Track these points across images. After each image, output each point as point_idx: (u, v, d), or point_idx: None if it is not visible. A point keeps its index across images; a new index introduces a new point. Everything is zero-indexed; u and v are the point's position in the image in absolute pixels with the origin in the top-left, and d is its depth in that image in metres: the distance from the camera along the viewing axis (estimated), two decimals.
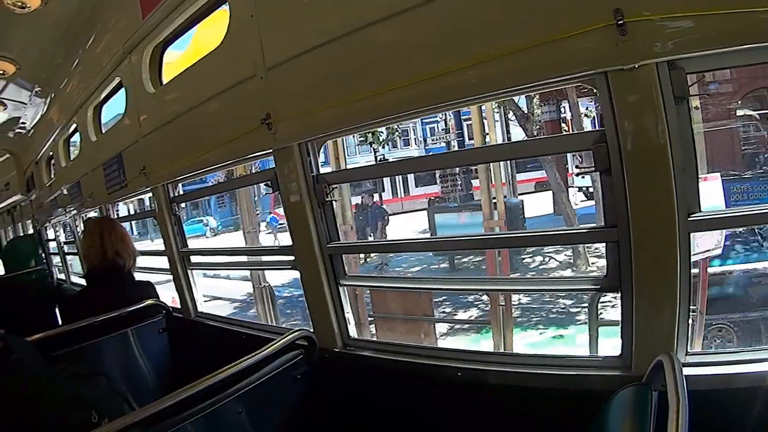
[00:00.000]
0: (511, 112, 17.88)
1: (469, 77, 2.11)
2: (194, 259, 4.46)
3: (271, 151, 3.04)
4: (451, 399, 2.54)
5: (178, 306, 4.54)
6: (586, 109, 20.52)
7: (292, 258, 3.21)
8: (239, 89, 3.14)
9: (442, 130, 27.56)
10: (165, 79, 4.22)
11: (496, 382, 2.37)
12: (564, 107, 20.46)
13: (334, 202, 2.98)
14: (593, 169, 1.98)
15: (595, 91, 1.92)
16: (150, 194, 4.59)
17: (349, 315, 3.06)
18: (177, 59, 4.43)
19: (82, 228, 4.18)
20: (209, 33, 3.80)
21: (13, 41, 4.87)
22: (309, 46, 2.65)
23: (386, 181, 28.82)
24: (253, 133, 3.02)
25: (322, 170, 2.98)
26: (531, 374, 2.27)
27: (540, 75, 1.98)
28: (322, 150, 3.03)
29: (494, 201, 8.79)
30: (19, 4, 3.97)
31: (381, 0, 2.35)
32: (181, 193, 4.47)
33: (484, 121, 9.51)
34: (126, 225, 4.55)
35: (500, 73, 2.03)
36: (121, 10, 4.16)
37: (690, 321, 1.94)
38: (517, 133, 20.82)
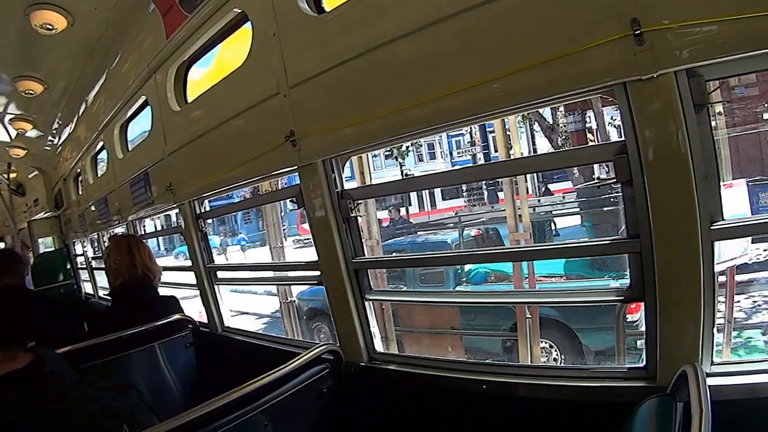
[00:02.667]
0: (536, 123, 17.83)
1: (491, 92, 2.13)
2: (220, 274, 4.51)
3: (294, 167, 3.08)
4: (477, 412, 2.55)
5: (204, 320, 4.58)
6: (611, 118, 20.42)
7: (317, 273, 3.23)
8: (263, 107, 3.19)
9: (468, 142, 27.57)
10: (190, 97, 4.29)
11: (521, 395, 2.37)
12: (589, 117, 20.34)
13: (359, 217, 3.00)
14: (614, 180, 1.99)
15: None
16: (176, 210, 4.66)
17: (374, 329, 3.08)
18: (201, 77, 4.51)
19: (108, 243, 4.25)
20: (233, 51, 3.87)
21: (41, 62, 5.03)
22: (331, 64, 2.69)
23: (413, 195, 28.71)
24: (278, 150, 3.07)
25: (347, 185, 3.00)
26: (556, 386, 2.28)
27: (560, 88, 1.99)
28: (347, 164, 3.07)
29: (519, 214, 8.77)
30: (47, 26, 4.11)
31: (401, 16, 2.37)
32: (207, 209, 4.54)
33: (508, 133, 9.45)
34: (151, 241, 4.62)
35: (521, 87, 2.04)
36: (146, 31, 4.27)
37: (715, 330, 1.94)
38: (543, 145, 20.73)
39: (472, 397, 2.53)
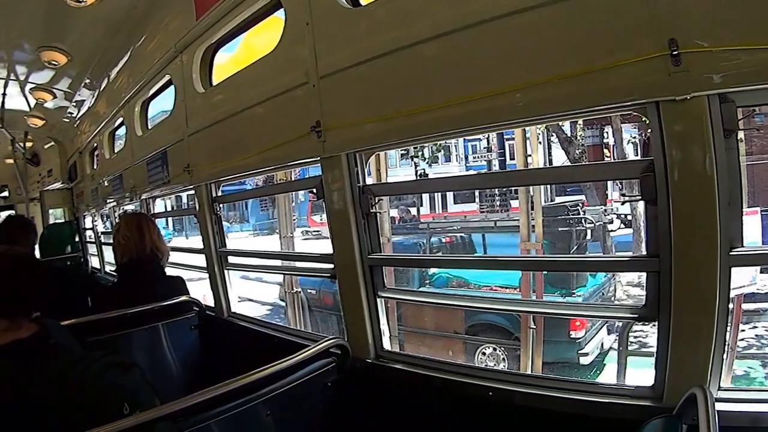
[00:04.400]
0: (554, 134, 17.79)
1: (517, 100, 2.14)
2: (231, 259, 4.54)
3: (316, 159, 3.10)
4: (481, 418, 2.56)
5: (210, 304, 4.62)
6: (631, 136, 20.35)
7: (331, 266, 3.26)
8: (290, 95, 3.20)
9: (484, 148, 27.49)
10: (214, 80, 4.32)
11: (526, 404, 2.37)
12: (607, 132, 20.27)
13: (378, 213, 3.01)
14: (639, 197, 2.01)
15: (644, 118, 1.94)
16: (187, 192, 4.69)
17: (384, 327, 3.10)
18: (226, 62, 4.54)
19: (119, 220, 4.29)
20: (261, 37, 3.89)
21: (67, 33, 5.06)
22: (363, 58, 2.70)
23: (425, 196, 28.69)
24: (302, 139, 3.08)
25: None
26: (561, 398, 2.29)
27: (591, 102, 2.00)
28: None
29: (533, 224, 8.85)
30: None
31: (433, 18, 2.39)
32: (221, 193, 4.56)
33: (527, 142, 9.48)
34: (161, 222, 4.65)
35: (550, 98, 2.05)
36: (176, 10, 4.29)
37: (725, 356, 1.95)
38: (559, 156, 20.67)
39: (478, 403, 2.54)
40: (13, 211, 12.55)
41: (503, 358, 9.55)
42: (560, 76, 2.00)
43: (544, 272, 8.87)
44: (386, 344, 3.11)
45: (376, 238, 3.04)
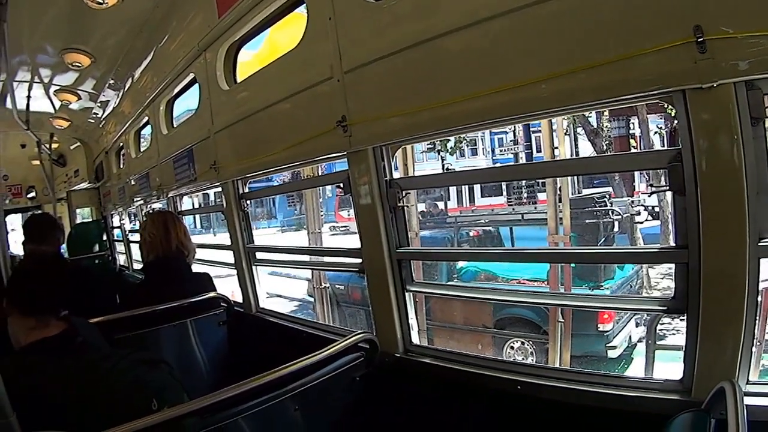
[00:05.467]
0: (580, 126, 17.64)
1: (542, 91, 2.14)
2: (259, 255, 4.58)
3: (343, 153, 3.12)
4: (510, 412, 2.57)
5: (237, 300, 4.67)
6: (656, 126, 20.11)
7: (358, 261, 3.29)
8: (315, 91, 3.22)
9: (510, 141, 27.38)
10: (239, 78, 4.36)
11: (555, 398, 2.38)
12: (633, 123, 20.04)
13: (405, 207, 3.02)
14: (667, 188, 2.00)
15: (667, 108, 1.93)
16: (214, 190, 4.74)
17: (412, 321, 3.11)
18: (250, 59, 4.58)
19: (145, 219, 4.37)
20: (284, 34, 3.92)
21: (90, 35, 5.14)
22: (387, 52, 2.70)
23: (452, 189, 28.57)
24: (328, 134, 3.10)
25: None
26: (589, 392, 2.29)
27: (617, 91, 1.99)
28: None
29: (561, 217, 8.81)
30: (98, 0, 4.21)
31: (459, 10, 2.38)
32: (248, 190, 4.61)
33: (554, 134, 9.43)
34: (188, 219, 4.70)
35: (576, 88, 2.05)
36: (197, 8, 4.34)
37: (754, 349, 1.94)
38: (585, 148, 20.50)
39: (506, 397, 2.55)
40: (40, 212, 12.81)
41: (531, 352, 9.52)
42: (585, 66, 1.99)
43: (572, 265, 8.82)
44: (415, 338, 3.12)
45: (404, 231, 3.05)
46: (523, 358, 9.36)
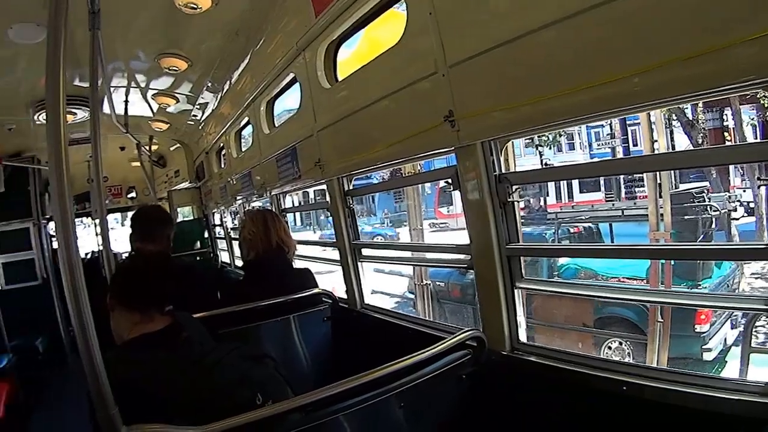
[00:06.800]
0: (676, 119, 17.15)
1: (636, 84, 2.09)
2: (365, 251, 4.66)
3: (450, 148, 3.13)
4: (614, 413, 2.54)
5: (342, 296, 4.78)
6: (749, 117, 19.35)
7: (467, 257, 3.29)
8: (418, 87, 3.23)
9: (607, 135, 26.90)
10: (340, 75, 4.45)
11: (657, 399, 2.34)
12: (726, 115, 19.30)
13: (516, 202, 3.01)
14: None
15: (761, 98, 1.83)
16: (314, 188, 4.84)
17: (521, 318, 3.10)
18: (350, 56, 4.66)
19: (244, 218, 4.51)
20: (385, 30, 3.98)
21: (185, 40, 5.36)
22: (492, 44, 2.67)
23: (551, 185, 28.20)
24: (435, 130, 3.10)
25: None
26: (688, 393, 2.23)
27: (715, 82, 1.92)
28: None
29: (662, 212, 8.68)
30: (191, 5, 4.36)
31: (556, 2, 2.35)
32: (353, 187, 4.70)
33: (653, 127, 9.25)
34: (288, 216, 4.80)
35: (673, 80, 1.99)
36: (294, 10, 4.43)
37: None
38: (680, 141, 19.98)
39: (611, 397, 2.52)
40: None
41: (628, 353, 9.38)
42: (683, 56, 1.93)
43: (672, 262, 8.63)
44: (522, 336, 3.11)
45: (514, 227, 3.04)
46: (620, 359, 9.23)
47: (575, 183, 29.09)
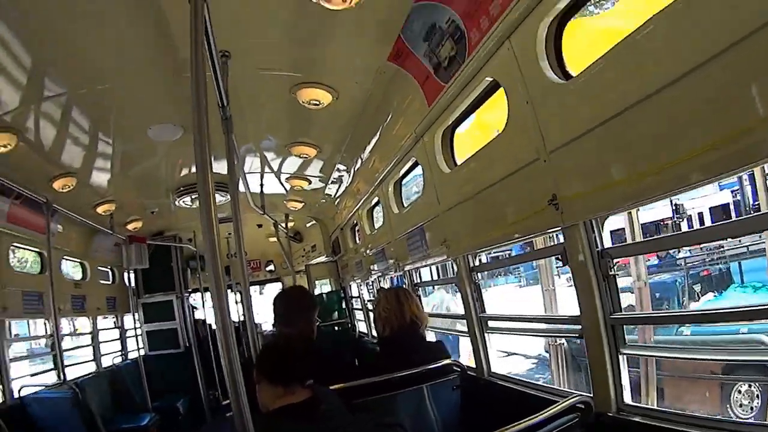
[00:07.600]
0: None
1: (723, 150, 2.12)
2: (491, 323, 4.90)
3: (557, 228, 3.35)
4: None
5: (468, 364, 4.94)
6: None
7: (578, 327, 3.44)
8: (525, 171, 3.52)
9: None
10: (458, 158, 4.80)
11: None
12: None
13: (616, 276, 3.14)
14: None
15: None
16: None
17: (625, 381, 3.20)
18: (466, 138, 4.99)
19: (378, 295, 4.79)
20: (495, 113, 4.26)
21: (312, 130, 6.10)
22: (587, 128, 2.85)
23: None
24: (541, 213, 3.37)
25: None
26: None
27: None
28: None
29: None
30: (314, 102, 5.00)
31: (645, 79, 2.42)
32: (478, 263, 4.96)
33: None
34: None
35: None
36: (409, 100, 4.91)
37: None
38: None
39: None
40: (280, 283, 14.37)
41: (757, 395, 8.77)
42: None
43: None
44: (627, 398, 3.18)
45: (617, 298, 3.17)
46: (748, 402, 8.67)
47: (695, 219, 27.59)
